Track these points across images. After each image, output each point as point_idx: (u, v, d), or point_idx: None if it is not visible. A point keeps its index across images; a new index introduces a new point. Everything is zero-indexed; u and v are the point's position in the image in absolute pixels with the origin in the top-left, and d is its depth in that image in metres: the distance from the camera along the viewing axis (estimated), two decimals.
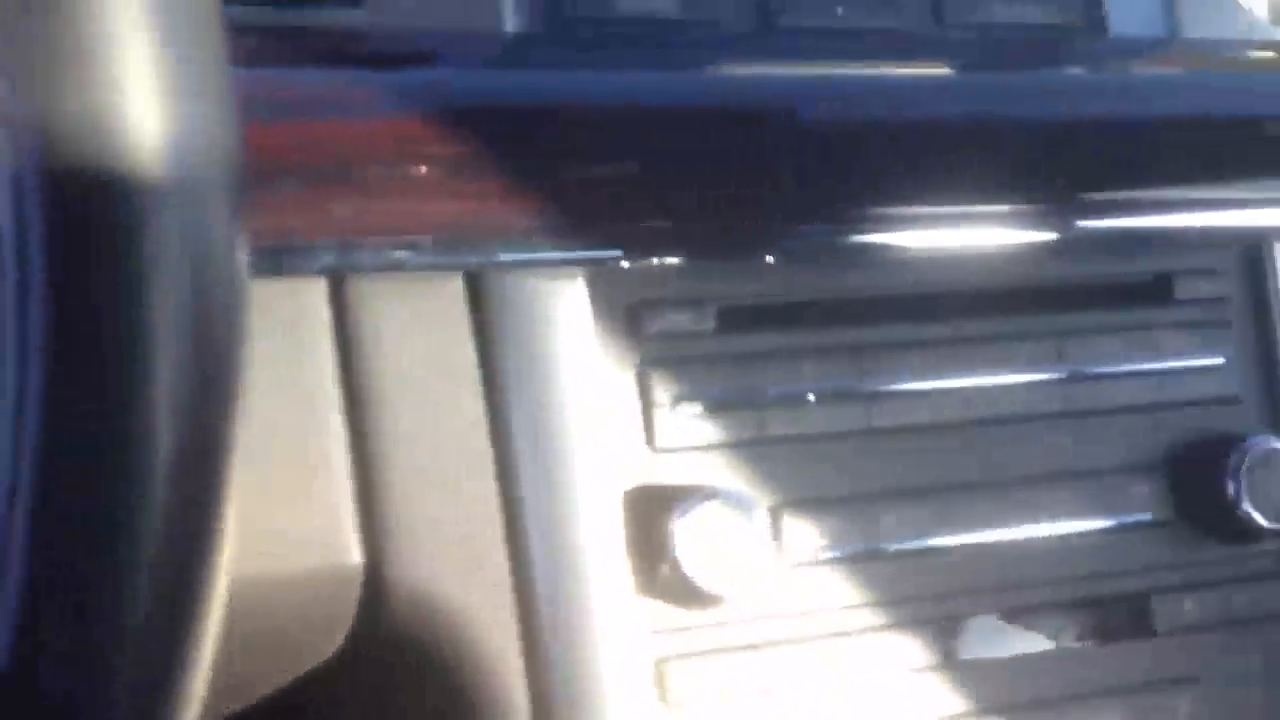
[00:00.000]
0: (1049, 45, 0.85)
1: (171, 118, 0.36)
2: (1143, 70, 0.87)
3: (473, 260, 0.63)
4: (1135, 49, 0.88)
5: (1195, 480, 0.77)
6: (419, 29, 0.69)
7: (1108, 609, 0.75)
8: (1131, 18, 0.87)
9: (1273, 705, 0.79)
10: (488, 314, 0.64)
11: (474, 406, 0.63)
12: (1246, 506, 0.75)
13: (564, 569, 0.64)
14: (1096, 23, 0.86)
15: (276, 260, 0.59)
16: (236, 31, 0.59)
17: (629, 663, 0.65)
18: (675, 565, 0.64)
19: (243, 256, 0.39)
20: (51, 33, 0.35)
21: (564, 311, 0.66)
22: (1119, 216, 0.78)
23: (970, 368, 0.74)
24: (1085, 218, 0.77)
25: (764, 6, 0.78)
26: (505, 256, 0.64)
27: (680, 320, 0.68)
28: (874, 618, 0.70)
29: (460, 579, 0.63)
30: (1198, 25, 0.88)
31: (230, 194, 0.38)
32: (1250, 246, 0.81)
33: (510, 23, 0.72)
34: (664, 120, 0.70)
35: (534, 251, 0.64)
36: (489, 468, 0.64)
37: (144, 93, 0.36)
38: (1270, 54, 0.90)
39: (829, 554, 0.70)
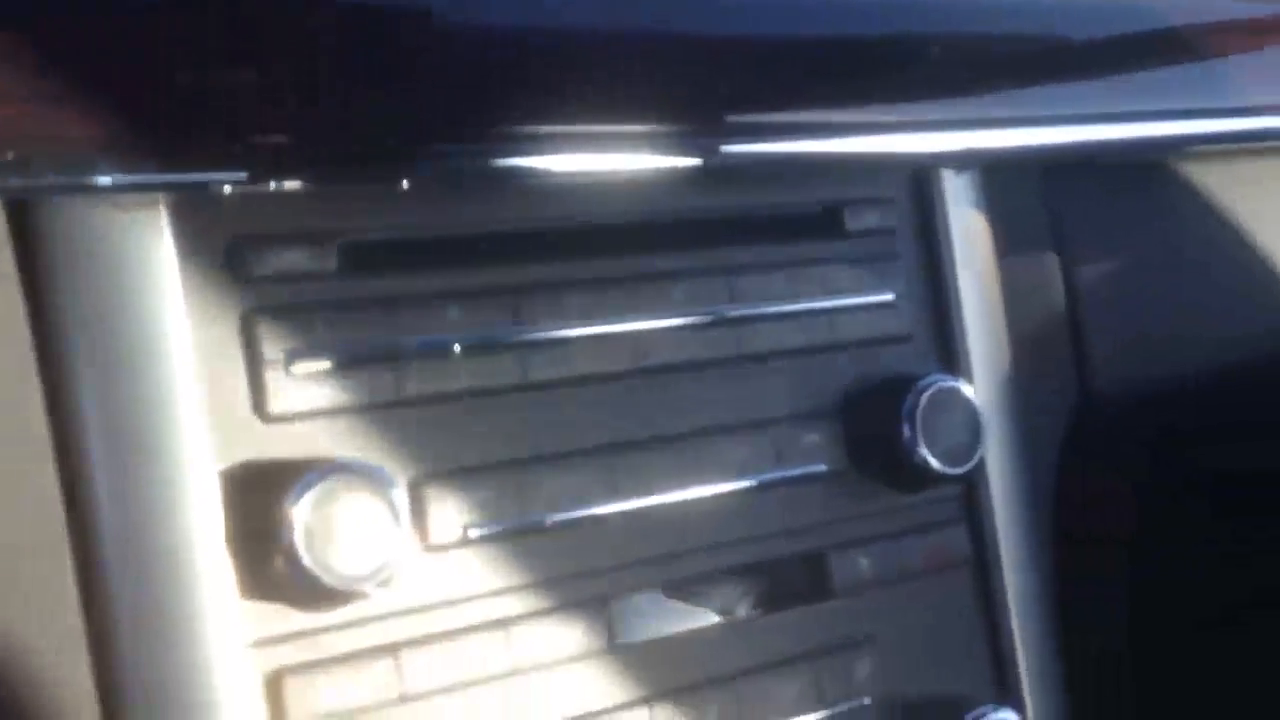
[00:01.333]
0: None
1: None
2: None
3: (16, 183, 0.49)
4: None
5: (868, 426, 0.71)
6: None
7: (782, 572, 0.68)
8: None
9: (947, 655, 0.74)
10: (39, 254, 0.50)
11: (22, 369, 0.49)
12: (922, 451, 0.69)
13: (143, 572, 0.51)
14: None
15: None
16: None
17: (233, 681, 0.53)
18: (291, 556, 0.53)
19: None
20: None
21: (141, 250, 0.52)
22: (776, 140, 0.70)
23: (632, 310, 0.65)
24: (742, 141, 0.69)
25: None
26: (60, 179, 0.50)
27: (295, 259, 0.56)
28: (531, 602, 0.61)
29: (7, 594, 0.49)
30: None
31: None
32: (917, 174, 0.76)
33: None
34: (273, 11, 0.57)
35: (100, 174, 0.50)
36: (44, 448, 0.50)
37: None
38: None
39: (479, 532, 0.59)
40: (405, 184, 0.58)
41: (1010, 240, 0.81)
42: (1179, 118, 0.84)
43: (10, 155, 0.48)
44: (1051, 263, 0.85)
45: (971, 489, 0.76)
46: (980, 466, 0.74)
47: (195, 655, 0.52)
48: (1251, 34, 0.90)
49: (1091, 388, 0.85)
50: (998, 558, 0.76)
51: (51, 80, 0.49)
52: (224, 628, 0.53)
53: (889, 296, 0.74)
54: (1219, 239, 0.93)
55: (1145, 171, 0.90)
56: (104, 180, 0.51)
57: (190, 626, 0.52)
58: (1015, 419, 0.79)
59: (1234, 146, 0.90)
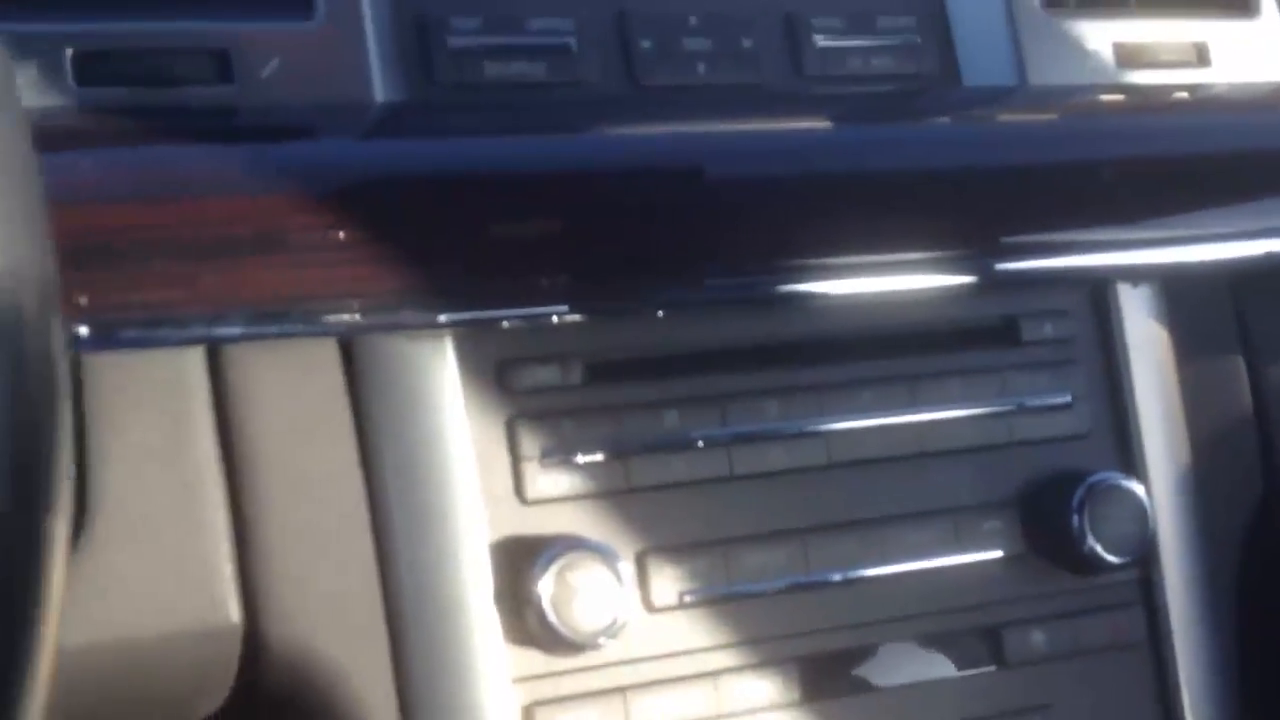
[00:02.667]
0: (904, 97, 0.89)
1: None
2: (991, 122, 0.91)
3: (344, 326, 0.66)
4: (988, 98, 0.92)
5: (1043, 515, 0.81)
6: (291, 103, 0.72)
7: (962, 642, 0.79)
8: (983, 68, 0.91)
9: None
10: (360, 377, 0.67)
11: (349, 466, 0.66)
12: (1091, 541, 0.79)
13: (435, 620, 0.67)
14: (950, 73, 0.90)
15: (155, 331, 0.62)
16: (114, 112, 0.62)
17: (500, 708, 0.68)
18: (540, 613, 0.68)
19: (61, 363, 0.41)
20: None
21: (432, 372, 0.69)
22: (974, 266, 0.82)
23: (827, 413, 0.78)
24: (940, 269, 0.81)
25: (629, 67, 0.81)
26: (375, 321, 0.66)
27: (548, 375, 0.71)
28: (736, 658, 0.74)
29: (337, 634, 0.66)
30: (1045, 72, 0.92)
31: (45, 318, 0.41)
32: (1096, 287, 0.86)
33: (380, 93, 0.74)
34: (543, 183, 0.73)
35: (409, 316, 0.67)
36: (363, 525, 0.67)
37: None
38: (1118, 97, 0.94)
39: (692, 597, 0.73)
40: (660, 313, 0.72)
41: (1194, 343, 0.90)
42: None
43: (355, 306, 0.65)
44: (1237, 364, 0.92)
45: (1147, 574, 0.85)
46: (1153, 555, 0.83)
47: (472, 686, 0.68)
48: None
49: (1277, 481, 0.93)
50: (1171, 641, 0.84)
51: (370, 249, 0.66)
52: (493, 665, 0.68)
53: (1065, 399, 0.84)
54: None
55: None
56: (419, 319, 0.67)
57: (469, 663, 0.68)
58: (1194, 511, 0.87)
59: None
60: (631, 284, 0.72)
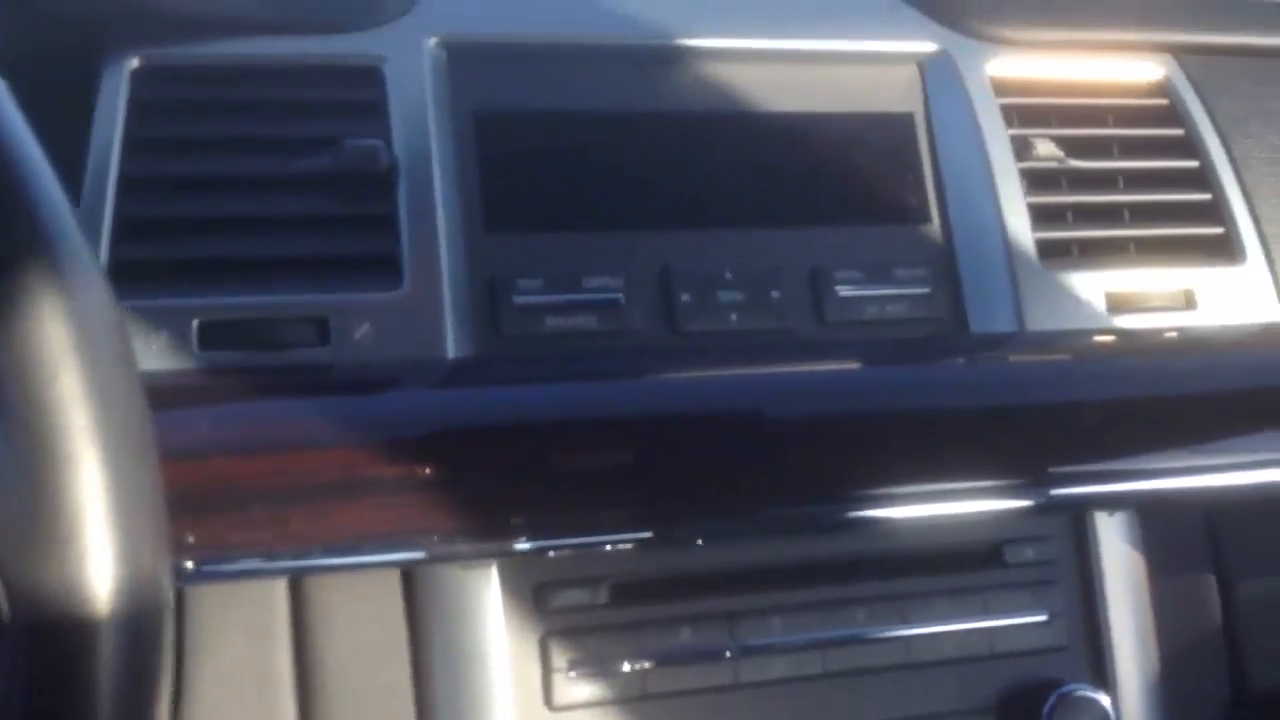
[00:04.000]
0: (916, 342, 1.01)
1: (117, 575, 0.52)
2: (989, 366, 1.03)
3: (409, 560, 0.80)
4: (990, 343, 1.04)
5: None
6: (378, 360, 0.86)
7: None
8: (987, 314, 1.03)
9: None
10: (418, 602, 0.81)
11: (403, 682, 0.80)
12: None
13: None
14: (959, 319, 1.02)
15: (248, 565, 0.76)
16: (221, 373, 0.77)
17: None
18: None
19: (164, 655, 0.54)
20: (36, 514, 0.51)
21: (480, 596, 0.82)
22: (969, 498, 0.93)
23: (824, 628, 0.90)
24: (940, 500, 0.92)
25: (670, 317, 0.94)
26: (437, 553, 0.80)
27: (578, 596, 0.85)
28: None
29: None
30: (1042, 319, 1.04)
31: (159, 629, 0.54)
32: (1076, 514, 0.97)
33: (452, 349, 0.88)
34: (584, 428, 0.85)
35: (463, 549, 0.81)
36: None
37: (99, 563, 0.52)
38: (1110, 339, 1.06)
39: None
40: (700, 542, 0.85)
41: (1168, 564, 1.00)
42: None
43: (420, 542, 0.78)
44: (1209, 584, 1.03)
45: None
46: None
47: None
48: None
49: (1245, 688, 1.02)
50: None
51: (436, 490, 0.80)
52: None
53: (1043, 616, 0.95)
54: None
55: None
56: (475, 551, 0.80)
57: None
58: (1163, 716, 0.97)
59: None
60: (667, 518, 0.84)
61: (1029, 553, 0.94)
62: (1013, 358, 1.01)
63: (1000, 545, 0.94)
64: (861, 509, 0.87)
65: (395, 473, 0.77)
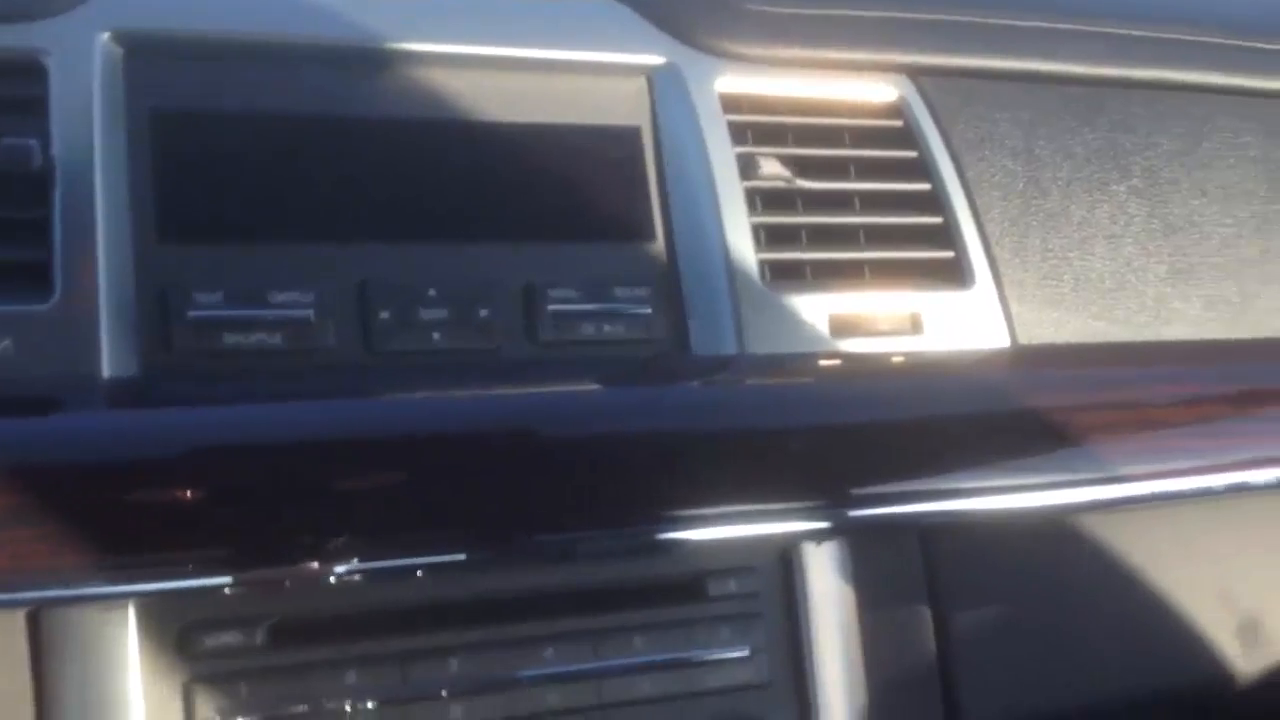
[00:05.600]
0: (625, 365, 0.98)
1: None
2: (697, 389, 1.00)
3: (31, 599, 0.73)
4: (709, 366, 1.01)
5: None
6: (22, 380, 0.79)
7: None
8: (709, 336, 1.00)
9: None
10: (44, 646, 0.74)
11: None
12: None
13: None
14: (681, 340, 0.99)
15: None
16: None
17: None
18: None
19: None
20: None
21: (114, 639, 0.76)
22: (665, 528, 0.90)
23: (508, 668, 0.85)
24: (630, 528, 0.89)
25: (367, 336, 0.89)
26: (62, 593, 0.74)
27: (229, 639, 0.79)
28: None
29: None
30: (763, 342, 1.01)
31: None
32: (783, 544, 0.94)
33: (109, 367, 0.82)
34: (218, 454, 0.79)
35: (91, 587, 0.75)
36: None
37: None
38: (827, 363, 1.04)
39: None
40: (331, 579, 0.81)
41: (880, 593, 0.99)
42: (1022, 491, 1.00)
43: (44, 579, 0.72)
44: (922, 613, 1.01)
45: None
46: None
47: None
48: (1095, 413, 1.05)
49: None
50: None
51: (61, 523, 0.74)
52: None
53: (744, 651, 0.92)
54: (1098, 586, 1.08)
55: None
56: (98, 591, 0.75)
57: None
58: None
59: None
60: (307, 552, 0.79)
61: (732, 585, 0.91)
62: (723, 382, 0.98)
63: (703, 577, 0.90)
64: (546, 536, 0.83)
65: (8, 505, 0.71)
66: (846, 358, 1.01)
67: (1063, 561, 1.06)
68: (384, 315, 0.89)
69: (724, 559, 0.92)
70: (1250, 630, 1.13)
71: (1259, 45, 1.26)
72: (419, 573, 0.81)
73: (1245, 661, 1.13)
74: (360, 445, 0.80)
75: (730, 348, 0.99)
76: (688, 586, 0.91)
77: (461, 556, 0.81)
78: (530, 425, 0.86)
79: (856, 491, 0.94)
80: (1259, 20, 1.32)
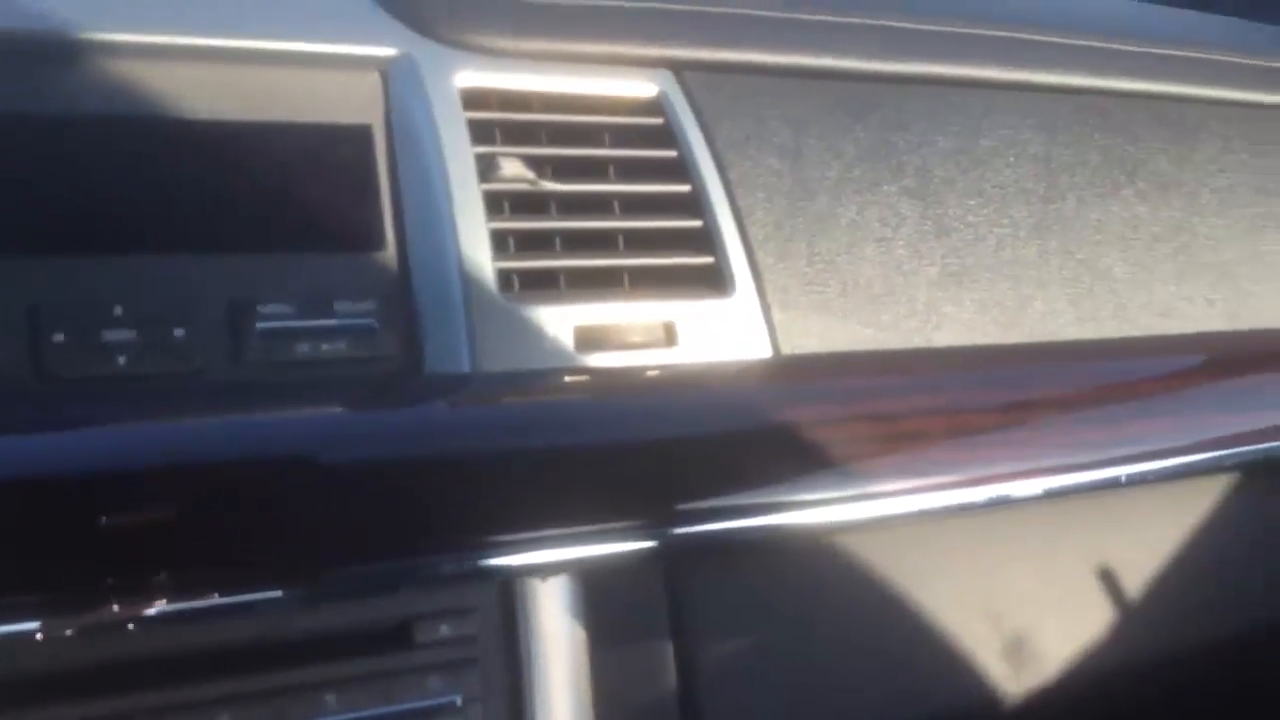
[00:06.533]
0: (338, 385, 0.91)
1: None
2: (416, 409, 0.93)
3: None
4: (441, 386, 0.94)
5: None
6: None
7: None
8: (442, 353, 0.93)
9: None
10: None
11: None
12: None
13: None
14: (413, 357, 0.92)
15: None
16: None
17: None
18: None
19: None
20: None
21: None
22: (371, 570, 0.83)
23: None
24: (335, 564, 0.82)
25: (39, 362, 0.81)
26: None
27: None
28: None
29: None
30: (500, 358, 0.95)
31: None
32: (504, 582, 0.88)
33: None
34: None
35: None
36: None
37: None
38: (571, 379, 0.98)
39: None
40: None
41: (618, 629, 0.93)
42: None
43: None
44: (664, 649, 0.96)
45: None
46: None
47: None
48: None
49: None
50: None
51: None
52: None
53: (454, 700, 0.86)
54: (859, 608, 1.04)
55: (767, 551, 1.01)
56: None
57: None
58: None
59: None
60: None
61: (444, 629, 0.85)
62: (439, 403, 0.91)
63: (411, 621, 0.84)
64: (218, 585, 0.76)
65: None
66: (585, 372, 0.95)
67: (822, 584, 1.02)
68: (58, 338, 0.81)
69: (437, 599, 0.86)
70: (1015, 649, 1.10)
71: (1039, 38, 1.22)
72: (69, 633, 0.73)
73: (1012, 682, 1.10)
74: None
75: (465, 364, 0.92)
76: (392, 633, 0.85)
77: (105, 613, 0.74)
78: (198, 456, 0.79)
79: (586, 520, 0.89)
80: (1044, 14, 1.28)
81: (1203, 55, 1.30)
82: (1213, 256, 1.23)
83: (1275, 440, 1.17)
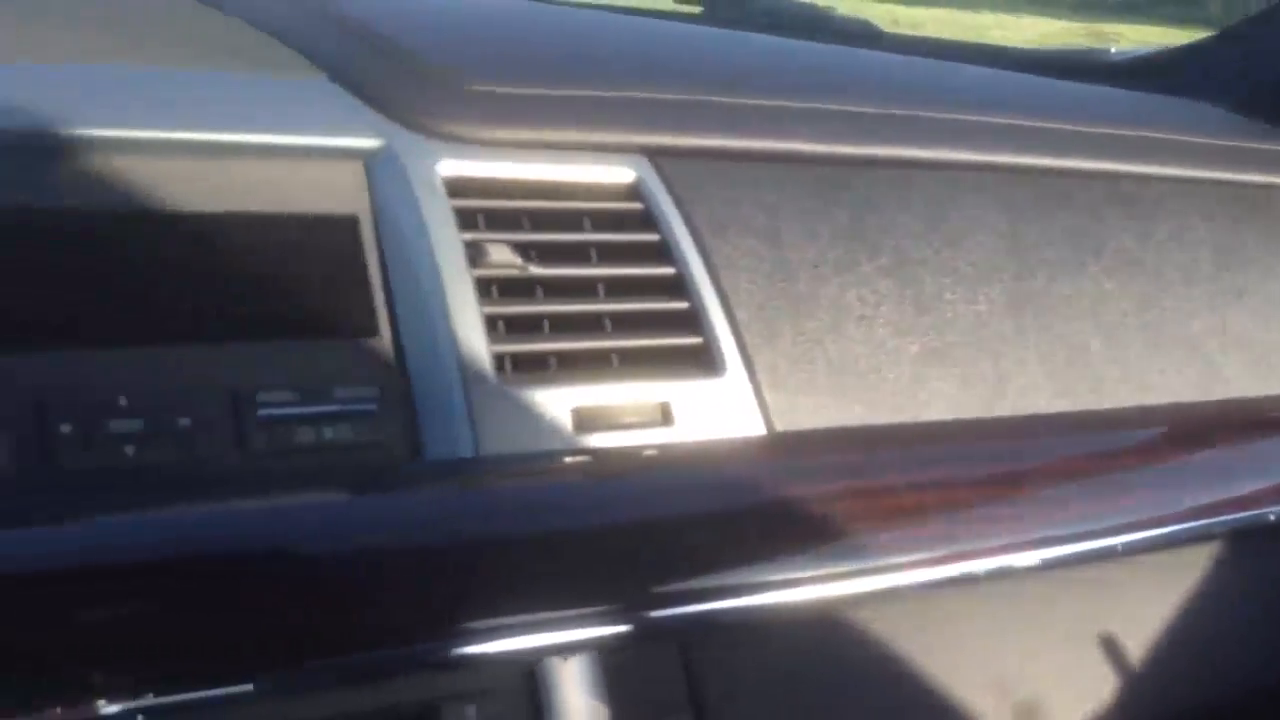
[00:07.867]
0: (346, 471, 0.89)
1: None
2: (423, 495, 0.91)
3: None
4: (439, 471, 0.92)
5: None
6: None
7: None
8: (443, 438, 0.91)
9: None
10: None
11: None
12: None
13: None
14: (413, 442, 0.90)
15: None
16: None
17: None
18: None
19: None
20: None
21: None
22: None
23: None
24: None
25: (47, 454, 0.78)
26: None
27: None
28: None
29: None
30: (501, 441, 0.93)
31: None
32: (527, 665, 0.86)
33: None
34: None
35: None
36: None
37: None
38: (577, 459, 0.96)
39: None
40: None
41: (639, 707, 0.90)
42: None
43: None
44: None
45: None
46: None
47: None
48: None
49: None
50: None
51: None
52: None
53: None
54: (869, 679, 1.02)
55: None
56: None
57: None
58: None
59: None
60: None
61: (470, 712, 0.82)
62: (446, 487, 0.90)
63: (437, 704, 0.81)
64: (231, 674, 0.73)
65: None
66: (589, 453, 0.94)
67: (833, 658, 1.00)
68: (66, 429, 0.78)
69: (460, 682, 0.83)
70: (1027, 717, 1.08)
71: (1000, 121, 1.25)
72: None
73: None
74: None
75: (466, 448, 0.90)
76: (420, 716, 0.81)
77: (119, 708, 0.71)
78: (216, 546, 0.76)
79: (606, 600, 0.87)
80: (996, 97, 1.32)
81: (1159, 135, 1.34)
82: (1181, 330, 1.26)
83: (1262, 507, 1.18)
